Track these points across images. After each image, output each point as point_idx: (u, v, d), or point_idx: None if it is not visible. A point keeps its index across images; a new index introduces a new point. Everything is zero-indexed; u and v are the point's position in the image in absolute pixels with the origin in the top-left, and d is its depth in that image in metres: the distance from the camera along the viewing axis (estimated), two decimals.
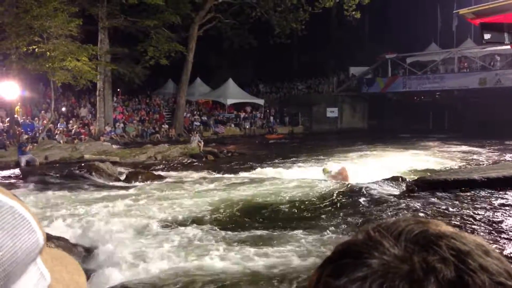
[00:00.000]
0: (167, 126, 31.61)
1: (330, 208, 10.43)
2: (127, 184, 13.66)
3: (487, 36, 8.31)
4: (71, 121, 27.37)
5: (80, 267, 0.74)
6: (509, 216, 9.25)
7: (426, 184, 12.01)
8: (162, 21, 27.55)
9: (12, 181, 14.34)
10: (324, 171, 14.70)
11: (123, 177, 14.79)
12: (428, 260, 0.48)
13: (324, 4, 28.72)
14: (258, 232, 8.34)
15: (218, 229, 8.51)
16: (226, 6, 31.66)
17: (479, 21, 8.62)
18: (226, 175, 15.08)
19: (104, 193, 11.90)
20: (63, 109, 29.78)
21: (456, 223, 8.58)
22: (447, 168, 16.26)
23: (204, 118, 35.36)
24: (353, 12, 28.19)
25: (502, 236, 8.10)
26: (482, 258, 0.49)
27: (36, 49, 20.69)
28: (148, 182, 13.88)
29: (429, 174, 14.49)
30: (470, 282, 0.46)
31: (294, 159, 19.52)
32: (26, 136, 21.03)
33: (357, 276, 0.48)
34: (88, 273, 6.23)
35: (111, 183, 13.96)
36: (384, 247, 0.50)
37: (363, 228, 0.56)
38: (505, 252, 7.07)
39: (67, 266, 0.71)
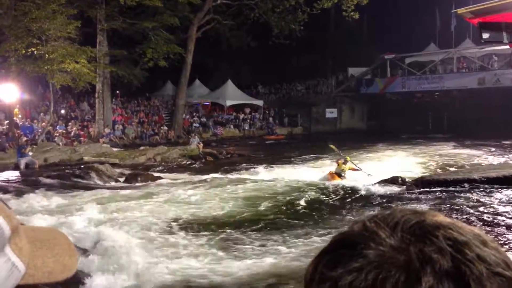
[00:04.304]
0: (166, 127, 31.56)
1: (330, 208, 10.44)
2: (126, 186, 13.64)
3: (485, 36, 8.29)
4: (70, 123, 27.34)
5: (72, 246, 0.71)
6: (507, 212, 9.27)
7: (425, 184, 12.03)
8: (161, 23, 27.52)
9: (12, 183, 14.31)
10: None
11: (122, 179, 14.78)
12: (425, 251, 0.47)
13: (322, 5, 28.71)
14: (259, 233, 8.33)
15: (219, 230, 8.49)
16: (225, 7, 31.61)
17: (478, 21, 8.60)
18: (226, 176, 15.05)
19: (104, 194, 11.87)
20: (62, 111, 29.75)
21: (455, 218, 8.59)
22: (446, 168, 16.25)
23: (203, 119, 35.33)
24: (352, 13, 28.18)
25: (500, 229, 8.12)
26: (479, 248, 0.48)
27: (35, 52, 20.66)
28: (148, 183, 13.86)
29: (428, 174, 14.50)
30: (467, 272, 0.45)
31: (293, 160, 19.51)
32: (25, 139, 20.99)
33: (353, 266, 0.48)
34: (85, 276, 6.20)
35: (110, 185, 13.95)
36: (381, 238, 0.49)
37: (359, 219, 0.56)
38: (502, 244, 7.07)
39: (54, 248, 0.68)
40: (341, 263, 0.49)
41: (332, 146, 15.43)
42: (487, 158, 19.14)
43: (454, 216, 9.06)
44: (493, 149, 22.06)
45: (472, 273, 0.46)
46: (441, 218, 0.52)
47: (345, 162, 14.18)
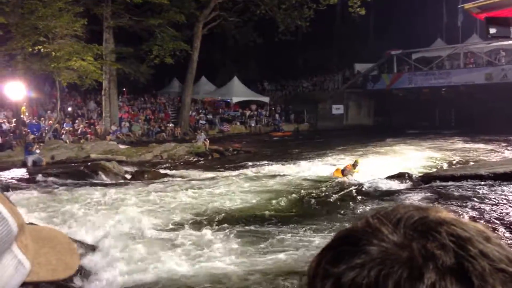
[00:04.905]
0: (172, 125, 31.61)
1: (337, 204, 10.43)
2: (133, 183, 13.69)
3: (492, 31, 8.26)
4: (77, 121, 27.45)
5: (73, 245, 0.73)
6: None
7: (432, 180, 12.00)
8: (167, 20, 27.52)
9: (19, 181, 14.39)
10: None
11: (129, 176, 14.83)
12: (428, 247, 0.47)
13: (328, 1, 28.63)
14: (266, 229, 8.34)
15: (226, 227, 8.49)
16: (231, 4, 31.59)
17: (484, 16, 8.56)
18: (232, 173, 15.07)
19: (111, 192, 11.90)
20: (69, 109, 29.88)
21: (461, 214, 8.57)
22: (454, 164, 16.19)
23: (210, 116, 35.37)
24: (358, 9, 28.06)
25: (506, 225, 8.08)
26: (482, 245, 0.48)
27: (42, 49, 20.72)
28: (154, 180, 13.90)
29: (436, 170, 14.45)
30: (470, 268, 0.45)
31: (299, 156, 19.49)
32: (33, 136, 21.10)
33: (356, 263, 0.48)
34: (89, 272, 6.23)
35: (117, 182, 13.99)
36: (383, 234, 0.50)
37: (363, 216, 0.55)
38: (506, 241, 7.03)
39: (56, 246, 0.69)
40: (344, 260, 0.49)
41: (357, 160, 15.41)
42: (495, 154, 19.04)
43: (460, 212, 9.02)
44: (502, 144, 21.95)
45: (475, 269, 0.45)
46: (444, 214, 0.52)
47: (354, 165, 14.27)
